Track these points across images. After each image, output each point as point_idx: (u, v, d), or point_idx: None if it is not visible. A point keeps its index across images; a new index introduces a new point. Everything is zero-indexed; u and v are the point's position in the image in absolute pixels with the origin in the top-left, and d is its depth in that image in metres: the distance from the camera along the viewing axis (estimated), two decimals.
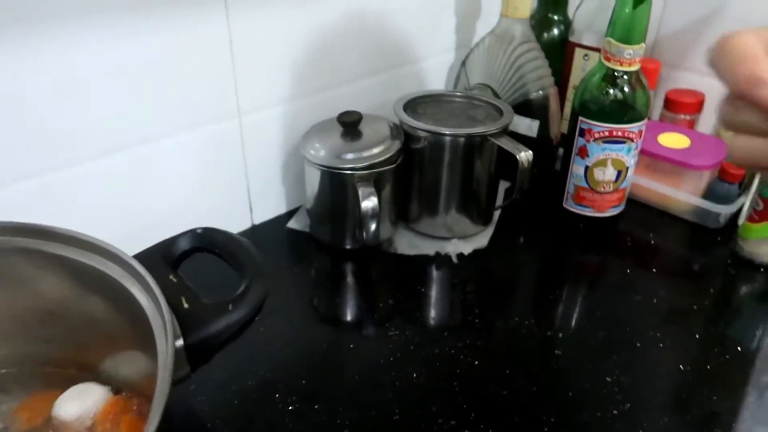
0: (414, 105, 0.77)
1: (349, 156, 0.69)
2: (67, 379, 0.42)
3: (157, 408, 0.27)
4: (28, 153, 0.56)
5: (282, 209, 0.81)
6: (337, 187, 0.71)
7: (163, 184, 0.68)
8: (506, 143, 0.70)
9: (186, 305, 0.33)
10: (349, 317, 0.67)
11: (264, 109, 0.73)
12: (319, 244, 0.76)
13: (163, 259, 0.37)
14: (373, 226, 0.68)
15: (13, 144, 0.55)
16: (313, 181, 0.73)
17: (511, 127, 0.75)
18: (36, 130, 0.55)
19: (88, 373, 0.42)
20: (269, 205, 0.80)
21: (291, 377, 0.57)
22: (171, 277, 0.35)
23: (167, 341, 0.30)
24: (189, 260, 0.42)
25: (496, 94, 0.83)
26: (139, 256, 0.36)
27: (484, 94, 0.81)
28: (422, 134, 0.72)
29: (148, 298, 0.34)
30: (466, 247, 0.75)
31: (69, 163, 0.58)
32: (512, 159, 0.71)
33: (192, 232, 0.39)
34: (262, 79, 0.71)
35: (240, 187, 0.75)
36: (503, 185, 0.83)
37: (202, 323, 0.33)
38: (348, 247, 0.74)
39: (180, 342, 0.31)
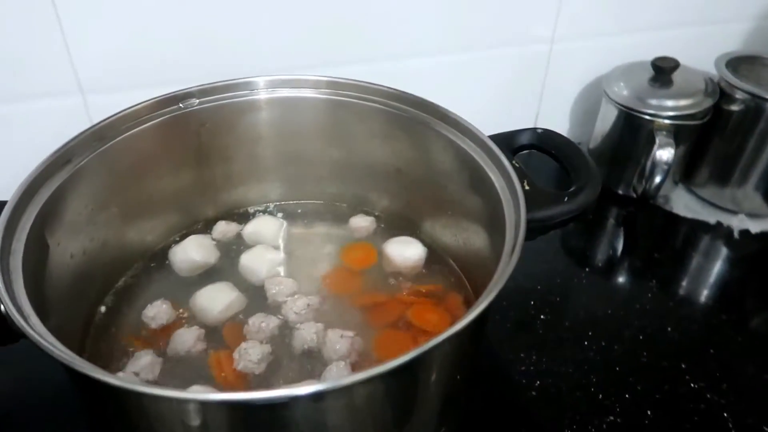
0: (738, 63, 0.71)
1: (654, 102, 0.68)
2: (387, 231, 0.52)
3: (507, 263, 0.33)
4: (384, 41, 0.65)
5: None
6: (631, 130, 0.70)
7: (465, 92, 0.73)
8: None
9: (527, 187, 0.39)
10: (608, 258, 0.68)
11: (577, 39, 0.74)
12: None
13: (506, 146, 0.43)
14: (659, 178, 0.67)
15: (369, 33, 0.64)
16: (606, 120, 0.73)
17: None
18: (381, 23, 0.64)
19: (409, 226, 0.51)
20: None
21: (546, 292, 0.62)
22: (514, 162, 0.40)
23: (520, 211, 0.36)
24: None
25: None
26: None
27: None
28: (741, 96, 0.67)
29: (498, 175, 0.40)
30: (754, 226, 0.70)
31: (409, 55, 0.67)
32: None
33: (532, 130, 0.44)
34: (584, 10, 0.72)
35: (531, 110, 0.79)
36: None
37: (540, 205, 0.38)
38: (621, 192, 0.74)
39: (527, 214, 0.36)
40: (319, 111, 0.50)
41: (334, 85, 0.49)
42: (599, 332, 0.57)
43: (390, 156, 0.50)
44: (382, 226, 0.54)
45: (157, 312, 0.47)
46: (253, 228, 0.54)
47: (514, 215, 0.36)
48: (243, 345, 0.43)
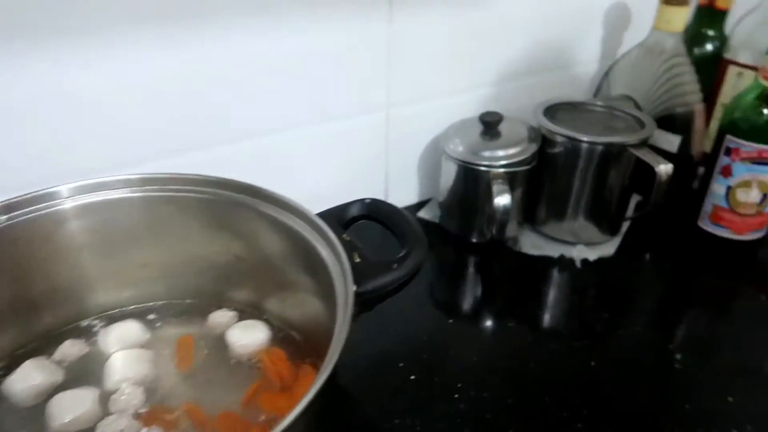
0: (553, 111, 0.79)
1: (486, 154, 0.73)
2: (237, 315, 0.51)
3: (338, 337, 0.33)
4: (212, 126, 0.65)
5: (414, 199, 0.87)
6: (471, 182, 0.75)
7: (314, 165, 0.75)
8: (646, 155, 0.71)
9: (358, 260, 0.39)
10: (470, 305, 0.71)
11: (411, 104, 0.78)
12: (446, 234, 0.80)
13: (337, 221, 0.43)
14: (502, 223, 0.71)
15: (200, 120, 0.64)
16: (448, 175, 0.77)
17: (652, 141, 0.75)
18: (209, 109, 0.64)
19: (256, 310, 0.50)
20: (403, 195, 0.85)
21: (413, 351, 0.62)
22: (344, 236, 0.41)
23: (347, 285, 0.36)
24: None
25: (638, 107, 0.82)
26: (318, 216, 0.43)
27: (625, 105, 0.82)
28: (560, 139, 0.74)
29: (328, 251, 0.40)
30: (592, 254, 0.76)
31: (239, 138, 0.67)
32: (647, 173, 0.71)
33: (361, 201, 0.45)
34: (412, 76, 0.76)
35: (379, 175, 0.82)
36: (635, 198, 0.83)
37: (371, 276, 0.39)
38: (474, 240, 0.78)
39: (355, 287, 0.36)
40: (139, 210, 0.48)
41: (149, 181, 0.48)
42: (468, 382, 0.59)
43: (226, 244, 0.49)
44: (239, 316, 0.52)
45: None
46: (112, 334, 0.51)
47: (344, 290, 0.37)
48: None
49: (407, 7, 0.71)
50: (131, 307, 0.54)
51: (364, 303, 0.38)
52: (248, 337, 0.48)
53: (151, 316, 0.54)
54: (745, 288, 0.74)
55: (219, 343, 0.50)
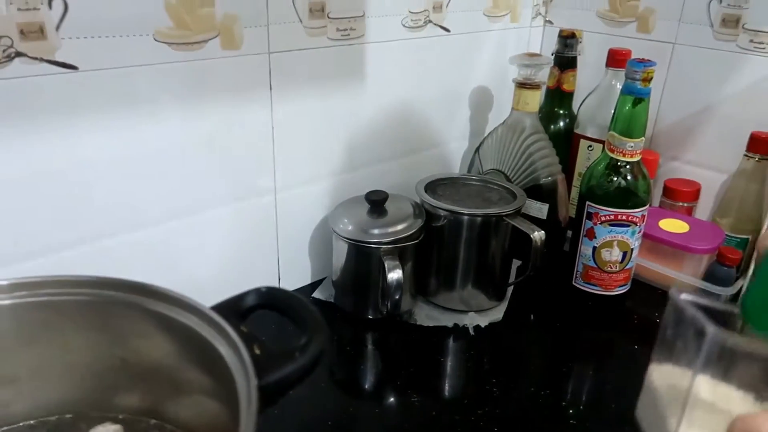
0: (434, 186, 0.84)
1: (375, 231, 0.75)
2: (128, 425, 0.46)
3: None
4: (91, 220, 0.62)
5: (307, 280, 0.86)
6: (362, 259, 0.76)
7: (203, 253, 0.73)
8: (520, 223, 0.77)
9: (258, 352, 0.38)
10: (372, 383, 0.70)
11: (298, 186, 0.79)
12: (342, 313, 0.80)
13: (233, 313, 0.42)
14: (396, 297, 0.73)
15: (81, 211, 0.61)
16: (340, 254, 0.78)
17: (524, 210, 0.82)
18: (95, 201, 0.62)
19: (150, 417, 0.46)
20: (296, 276, 0.85)
21: None
22: (242, 327, 0.40)
23: (249, 380, 0.35)
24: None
25: (508, 179, 0.90)
26: (212, 309, 0.41)
27: (497, 178, 0.89)
28: (442, 213, 0.78)
29: (226, 345, 0.38)
30: (483, 320, 0.79)
31: (124, 230, 0.64)
32: (524, 238, 0.76)
33: (257, 290, 0.44)
34: (298, 160, 0.78)
35: (271, 258, 0.81)
36: (515, 264, 0.88)
37: (273, 368, 0.38)
38: (370, 317, 0.79)
39: (257, 382, 0.35)
40: (7, 320, 0.43)
41: (18, 287, 0.43)
42: None
43: (109, 348, 0.45)
44: (131, 425, 0.47)
45: None
46: None
47: (247, 386, 0.35)
48: None
49: (286, 94, 0.73)
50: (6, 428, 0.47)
51: (268, 397, 0.36)
52: None
53: None
54: (619, 338, 0.80)
55: None
